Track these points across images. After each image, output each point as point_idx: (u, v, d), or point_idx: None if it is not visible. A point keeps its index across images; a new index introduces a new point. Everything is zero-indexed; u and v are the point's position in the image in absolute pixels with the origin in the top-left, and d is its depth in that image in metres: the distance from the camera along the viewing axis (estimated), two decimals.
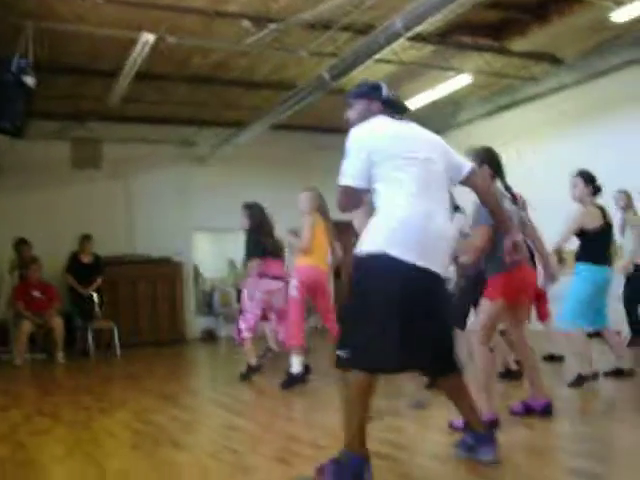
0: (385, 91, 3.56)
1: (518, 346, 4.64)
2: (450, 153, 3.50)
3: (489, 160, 4.51)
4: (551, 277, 4.90)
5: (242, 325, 6.95)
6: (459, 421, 3.94)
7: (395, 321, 3.10)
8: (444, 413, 4.34)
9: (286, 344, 6.59)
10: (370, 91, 3.56)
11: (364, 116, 3.46)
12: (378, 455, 3.44)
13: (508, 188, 4.54)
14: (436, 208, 3.29)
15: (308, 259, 6.44)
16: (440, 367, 3.43)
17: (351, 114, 3.57)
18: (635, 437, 4.01)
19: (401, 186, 3.24)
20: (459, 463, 3.51)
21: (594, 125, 9.75)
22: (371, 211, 3.36)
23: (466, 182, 3.54)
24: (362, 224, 4.11)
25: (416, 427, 4.48)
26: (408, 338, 3.11)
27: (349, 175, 3.29)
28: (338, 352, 3.17)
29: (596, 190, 5.71)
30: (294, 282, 6.39)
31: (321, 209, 6.56)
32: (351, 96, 3.61)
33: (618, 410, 4.94)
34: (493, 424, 4.01)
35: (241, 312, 7.13)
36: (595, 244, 5.71)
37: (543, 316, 7.38)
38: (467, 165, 3.55)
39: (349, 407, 3.17)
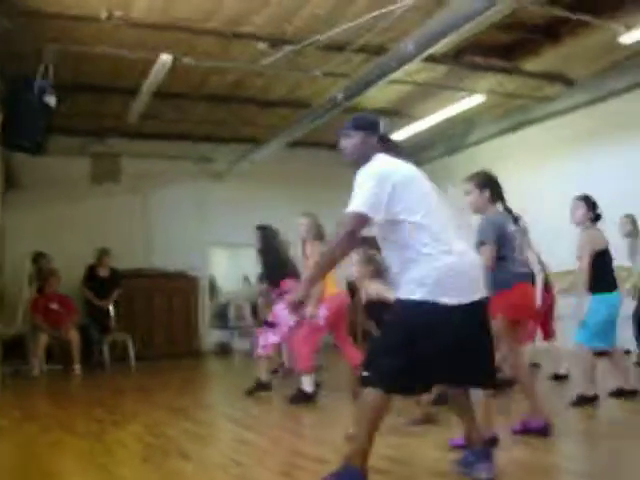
0: (382, 127, 3.66)
1: (514, 366, 4.69)
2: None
3: (490, 184, 4.67)
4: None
5: (269, 339, 7.03)
6: (459, 439, 4.06)
7: (442, 358, 3.32)
8: (444, 430, 4.45)
9: (299, 367, 6.66)
10: (369, 125, 3.64)
11: (360, 149, 3.57)
12: (377, 470, 3.54)
13: (509, 210, 4.69)
14: (463, 242, 3.47)
15: (332, 287, 6.54)
16: (476, 381, 3.58)
17: (347, 144, 3.63)
18: (635, 458, 4.09)
19: (430, 231, 3.32)
20: (458, 479, 3.62)
21: (604, 145, 9.83)
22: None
23: None
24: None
25: (415, 443, 4.54)
26: (452, 369, 3.39)
27: (369, 204, 3.28)
28: (364, 373, 3.32)
29: (597, 217, 5.75)
30: (323, 311, 6.45)
31: (322, 235, 6.61)
32: (349, 127, 3.65)
33: (619, 430, 5.00)
34: (492, 442, 4.11)
35: (267, 325, 7.13)
36: (604, 267, 5.73)
37: (548, 334, 7.43)
38: None
39: (361, 423, 3.30)
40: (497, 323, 4.47)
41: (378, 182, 3.31)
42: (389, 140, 3.66)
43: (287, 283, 6.92)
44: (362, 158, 3.52)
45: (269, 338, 7.02)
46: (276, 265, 7.12)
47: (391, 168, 3.41)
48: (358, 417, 3.35)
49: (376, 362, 3.33)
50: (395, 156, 3.53)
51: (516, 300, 4.55)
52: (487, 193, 4.63)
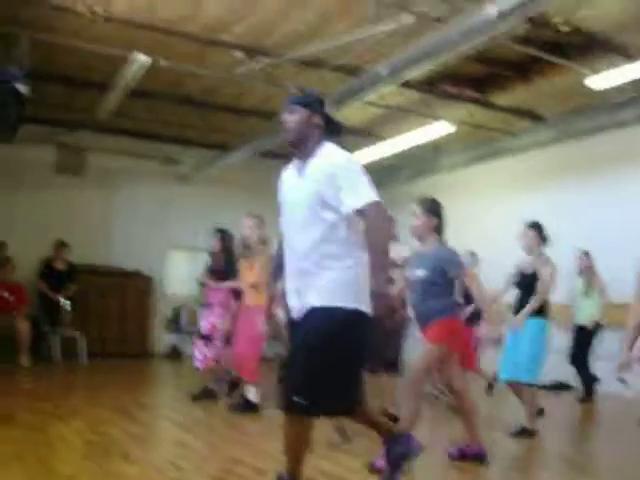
0: (327, 107, 3.58)
1: (459, 391, 4.73)
2: None
3: (439, 213, 4.69)
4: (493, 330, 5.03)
5: (209, 353, 7.12)
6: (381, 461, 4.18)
7: (360, 371, 3.43)
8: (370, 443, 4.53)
9: (245, 377, 6.69)
10: (314, 103, 3.47)
11: (303, 126, 3.43)
12: None
13: (444, 242, 4.72)
14: None
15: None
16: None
17: (290, 119, 3.46)
18: None
19: (358, 235, 3.36)
20: None
21: (567, 183, 10.07)
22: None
23: None
24: None
25: (349, 458, 4.60)
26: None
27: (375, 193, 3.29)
28: (296, 398, 3.15)
29: (545, 242, 5.88)
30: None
31: (265, 239, 6.67)
32: (294, 102, 3.49)
33: (551, 461, 5.14)
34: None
35: (204, 338, 7.21)
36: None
37: (472, 364, 7.40)
38: None
39: (296, 442, 3.29)
40: (438, 350, 4.53)
41: (365, 174, 3.31)
42: (334, 122, 3.56)
43: (222, 294, 7.09)
44: (303, 138, 3.43)
45: (205, 352, 7.11)
46: (228, 269, 7.21)
47: None
48: (291, 442, 3.30)
49: (321, 387, 3.21)
50: (337, 142, 3.46)
51: (458, 330, 4.66)
52: (434, 221, 4.65)
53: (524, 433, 5.72)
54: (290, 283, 3.43)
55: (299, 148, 3.46)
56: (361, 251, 3.34)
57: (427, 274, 4.59)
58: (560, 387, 9.10)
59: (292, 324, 3.43)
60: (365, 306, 3.27)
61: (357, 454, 4.64)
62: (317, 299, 3.28)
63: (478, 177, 11.43)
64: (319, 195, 3.29)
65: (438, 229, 4.68)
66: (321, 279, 3.28)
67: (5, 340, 9.92)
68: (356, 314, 3.26)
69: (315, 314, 3.27)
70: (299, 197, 3.39)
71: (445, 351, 4.54)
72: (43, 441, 4.74)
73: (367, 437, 4.80)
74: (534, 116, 10.09)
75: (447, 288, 4.59)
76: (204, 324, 7.26)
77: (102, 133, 11.62)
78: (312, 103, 3.46)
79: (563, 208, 9.75)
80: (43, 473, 3.85)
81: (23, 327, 9.77)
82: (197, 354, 7.19)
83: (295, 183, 3.47)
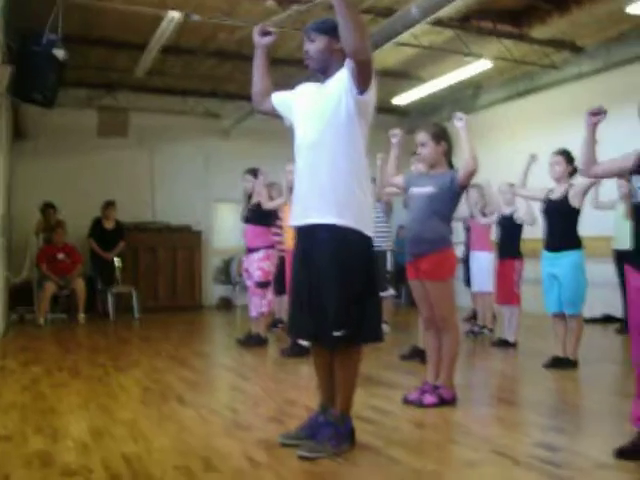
0: None
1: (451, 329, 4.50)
2: None
3: (446, 137, 4.55)
4: None
5: (264, 300, 7.27)
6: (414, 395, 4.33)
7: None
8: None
9: None
10: (334, 30, 3.25)
11: (325, 53, 3.40)
12: (362, 419, 3.76)
13: (452, 167, 4.57)
14: None
15: None
16: None
17: (311, 48, 3.43)
18: None
19: (364, 152, 3.43)
20: (436, 428, 3.82)
21: (610, 114, 9.84)
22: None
23: None
24: None
25: (399, 394, 4.63)
26: None
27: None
28: (335, 333, 3.21)
29: (574, 171, 5.73)
30: None
31: None
32: (313, 29, 3.43)
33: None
34: (453, 401, 4.34)
35: (260, 285, 7.28)
36: (577, 226, 5.78)
37: (514, 299, 7.15)
38: None
39: (352, 378, 3.38)
40: (451, 286, 4.47)
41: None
42: None
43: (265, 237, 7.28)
44: (326, 64, 3.42)
45: (265, 298, 7.23)
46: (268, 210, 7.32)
47: None
48: (346, 375, 3.36)
49: (369, 317, 3.32)
50: None
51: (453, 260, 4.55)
52: (444, 146, 4.51)
53: (565, 363, 5.74)
54: None
55: (323, 74, 3.46)
56: None
57: (435, 190, 4.41)
58: (608, 320, 9.07)
59: None
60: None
61: (406, 389, 4.74)
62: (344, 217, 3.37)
63: (519, 113, 11.28)
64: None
65: (447, 154, 4.54)
66: (343, 199, 3.44)
67: (62, 299, 10.33)
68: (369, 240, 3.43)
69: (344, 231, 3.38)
70: None
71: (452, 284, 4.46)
72: (104, 391, 4.97)
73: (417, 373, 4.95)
74: (574, 47, 9.87)
75: (451, 211, 4.47)
76: (257, 273, 7.26)
77: (142, 92, 11.79)
78: (331, 29, 3.32)
79: (606, 138, 9.56)
80: (105, 419, 4.06)
81: (79, 286, 10.10)
82: (258, 303, 7.27)
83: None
